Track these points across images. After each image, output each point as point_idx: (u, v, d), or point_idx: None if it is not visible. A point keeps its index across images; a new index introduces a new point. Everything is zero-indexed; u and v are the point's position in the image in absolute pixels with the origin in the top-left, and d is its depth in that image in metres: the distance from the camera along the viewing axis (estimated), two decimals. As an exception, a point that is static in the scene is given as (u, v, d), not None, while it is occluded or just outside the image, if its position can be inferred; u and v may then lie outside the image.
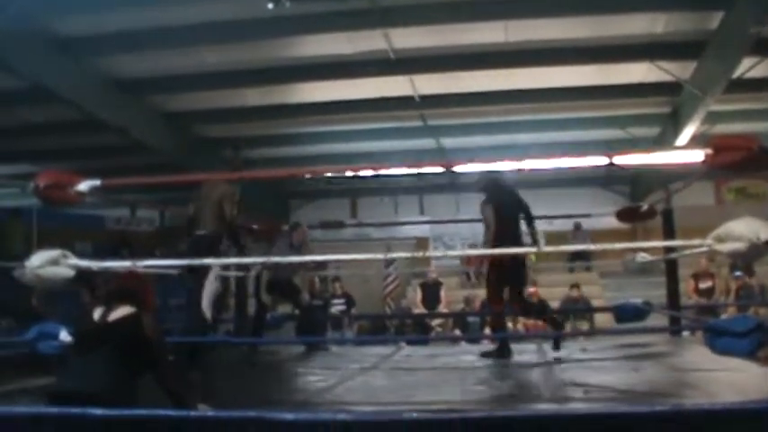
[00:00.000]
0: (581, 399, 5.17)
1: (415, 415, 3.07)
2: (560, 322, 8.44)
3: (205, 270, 6.76)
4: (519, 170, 14.17)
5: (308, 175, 17.55)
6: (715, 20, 10.20)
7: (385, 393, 5.96)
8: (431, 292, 14.17)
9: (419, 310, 14.14)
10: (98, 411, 3.03)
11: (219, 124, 14.70)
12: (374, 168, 15.09)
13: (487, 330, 9.92)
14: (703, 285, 13.78)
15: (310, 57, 11.48)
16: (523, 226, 7.69)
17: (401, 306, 16.06)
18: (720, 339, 5.12)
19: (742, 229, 4.68)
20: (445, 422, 3.07)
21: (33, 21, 9.54)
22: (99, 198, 10.19)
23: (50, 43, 10.50)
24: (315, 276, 14.55)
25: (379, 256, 5.85)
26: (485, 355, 7.43)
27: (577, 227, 16.87)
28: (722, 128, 13.31)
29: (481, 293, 15.03)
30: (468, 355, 7.91)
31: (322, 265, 14.68)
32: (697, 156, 4.92)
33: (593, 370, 6.56)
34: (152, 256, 12.46)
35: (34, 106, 12.32)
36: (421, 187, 18.58)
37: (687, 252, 7.86)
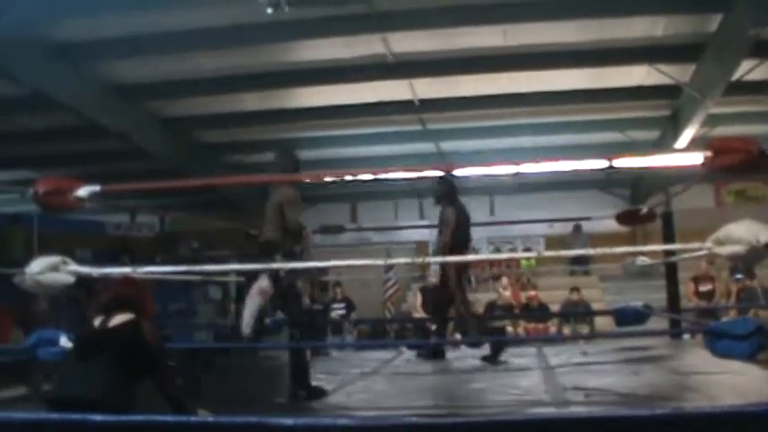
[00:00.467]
0: (582, 402, 5.16)
1: (415, 419, 3.07)
2: (490, 327, 8.63)
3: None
4: (518, 173, 14.23)
5: (307, 180, 17.54)
6: (714, 22, 10.21)
7: (385, 398, 5.96)
8: (431, 297, 14.15)
9: (419, 314, 14.13)
10: (98, 417, 3.03)
11: (218, 129, 14.72)
12: (374, 173, 15.08)
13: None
14: (703, 288, 13.78)
15: (309, 61, 11.48)
16: None
17: (401, 310, 16.07)
18: (721, 342, 5.11)
19: (741, 232, 4.67)
20: (446, 426, 3.07)
21: (32, 27, 9.54)
22: (98, 204, 10.19)
23: (49, 49, 10.50)
24: (315, 282, 14.55)
25: (379, 261, 5.82)
26: (485, 359, 7.45)
27: (577, 228, 16.88)
28: (722, 130, 13.30)
29: (481, 298, 15.13)
30: (469, 359, 7.90)
31: (322, 270, 14.69)
32: (696, 158, 4.92)
33: (594, 373, 6.55)
34: (152, 262, 12.47)
35: (33, 112, 12.31)
36: (420, 191, 18.57)
37: (687, 255, 7.86)
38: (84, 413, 3.09)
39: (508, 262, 17.11)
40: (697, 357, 6.81)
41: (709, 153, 4.76)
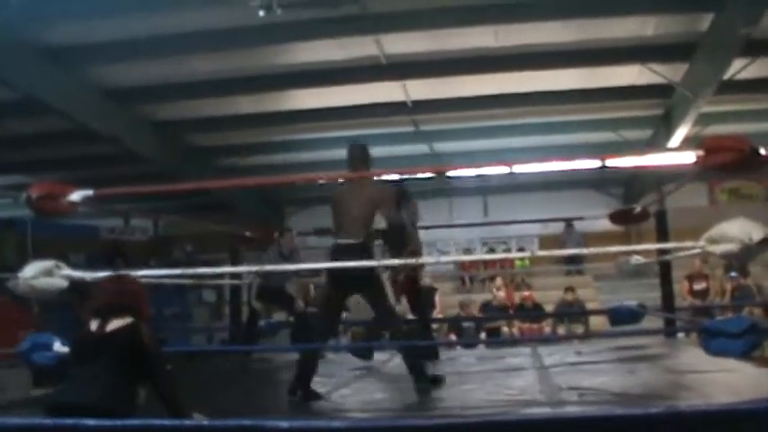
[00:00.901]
0: (576, 402, 5.17)
1: (410, 421, 3.07)
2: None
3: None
4: (511, 174, 14.25)
5: (301, 182, 17.54)
6: (705, 21, 10.23)
7: (380, 400, 5.96)
8: (425, 298, 14.15)
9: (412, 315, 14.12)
10: (90, 422, 3.02)
11: (212, 132, 14.69)
12: (367, 175, 15.07)
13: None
14: (698, 287, 13.80)
15: (302, 64, 11.47)
16: None
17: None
18: (715, 340, 5.12)
19: (735, 231, 4.69)
20: (441, 427, 3.07)
21: (23, 31, 9.50)
22: (92, 208, 10.16)
23: (40, 53, 10.46)
24: (309, 284, 14.53)
25: (373, 263, 5.82)
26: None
27: (568, 227, 16.90)
28: (714, 129, 13.32)
29: (476, 298, 15.14)
30: (464, 359, 7.90)
31: (316, 272, 14.67)
32: (689, 157, 4.93)
33: (589, 373, 6.56)
34: (146, 265, 12.46)
35: (25, 117, 12.27)
36: (414, 193, 18.57)
37: (681, 254, 7.88)
38: (82, 418, 3.09)
39: (502, 262, 17.11)
40: (692, 356, 6.82)
41: (701, 152, 4.77)
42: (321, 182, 16.39)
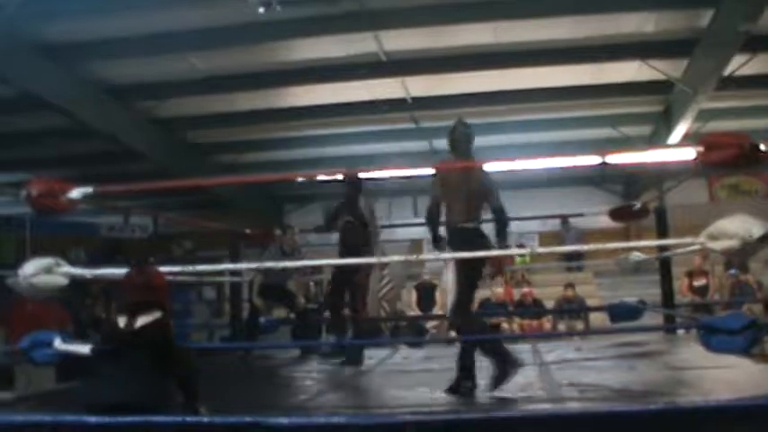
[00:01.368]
0: (577, 398, 5.17)
1: (409, 417, 3.07)
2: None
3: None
4: (510, 170, 14.23)
5: (300, 179, 17.53)
6: (705, 18, 10.21)
7: (381, 396, 5.96)
8: (426, 294, 14.17)
9: (414, 312, 14.14)
10: (92, 419, 3.02)
11: (211, 129, 14.68)
12: (367, 171, 15.07)
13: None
14: (697, 283, 13.78)
15: (301, 60, 11.46)
16: None
17: (396, 308, 16.04)
18: (715, 337, 5.12)
19: (734, 227, 4.69)
20: (441, 423, 3.07)
21: (21, 28, 9.49)
22: (91, 205, 10.16)
23: (38, 50, 10.44)
24: (310, 282, 14.56)
25: (373, 259, 5.82)
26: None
27: (565, 223, 16.87)
28: (714, 125, 13.31)
29: (476, 295, 15.09)
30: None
31: (317, 269, 14.69)
32: (689, 154, 4.93)
33: (589, 369, 6.57)
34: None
35: (24, 114, 12.26)
36: (414, 189, 18.56)
37: (681, 250, 7.88)
38: (123, 414, 3.14)
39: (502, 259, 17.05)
40: (691, 352, 6.82)
41: (701, 148, 4.77)
42: (320, 178, 16.41)
